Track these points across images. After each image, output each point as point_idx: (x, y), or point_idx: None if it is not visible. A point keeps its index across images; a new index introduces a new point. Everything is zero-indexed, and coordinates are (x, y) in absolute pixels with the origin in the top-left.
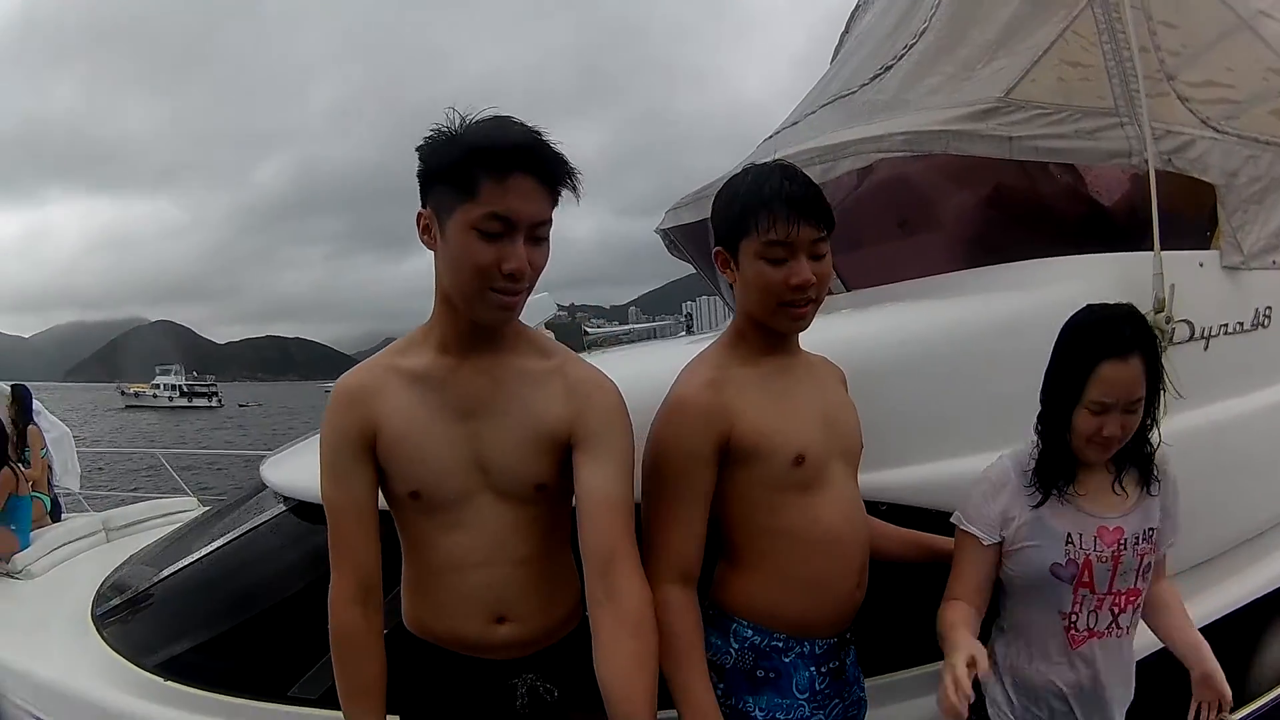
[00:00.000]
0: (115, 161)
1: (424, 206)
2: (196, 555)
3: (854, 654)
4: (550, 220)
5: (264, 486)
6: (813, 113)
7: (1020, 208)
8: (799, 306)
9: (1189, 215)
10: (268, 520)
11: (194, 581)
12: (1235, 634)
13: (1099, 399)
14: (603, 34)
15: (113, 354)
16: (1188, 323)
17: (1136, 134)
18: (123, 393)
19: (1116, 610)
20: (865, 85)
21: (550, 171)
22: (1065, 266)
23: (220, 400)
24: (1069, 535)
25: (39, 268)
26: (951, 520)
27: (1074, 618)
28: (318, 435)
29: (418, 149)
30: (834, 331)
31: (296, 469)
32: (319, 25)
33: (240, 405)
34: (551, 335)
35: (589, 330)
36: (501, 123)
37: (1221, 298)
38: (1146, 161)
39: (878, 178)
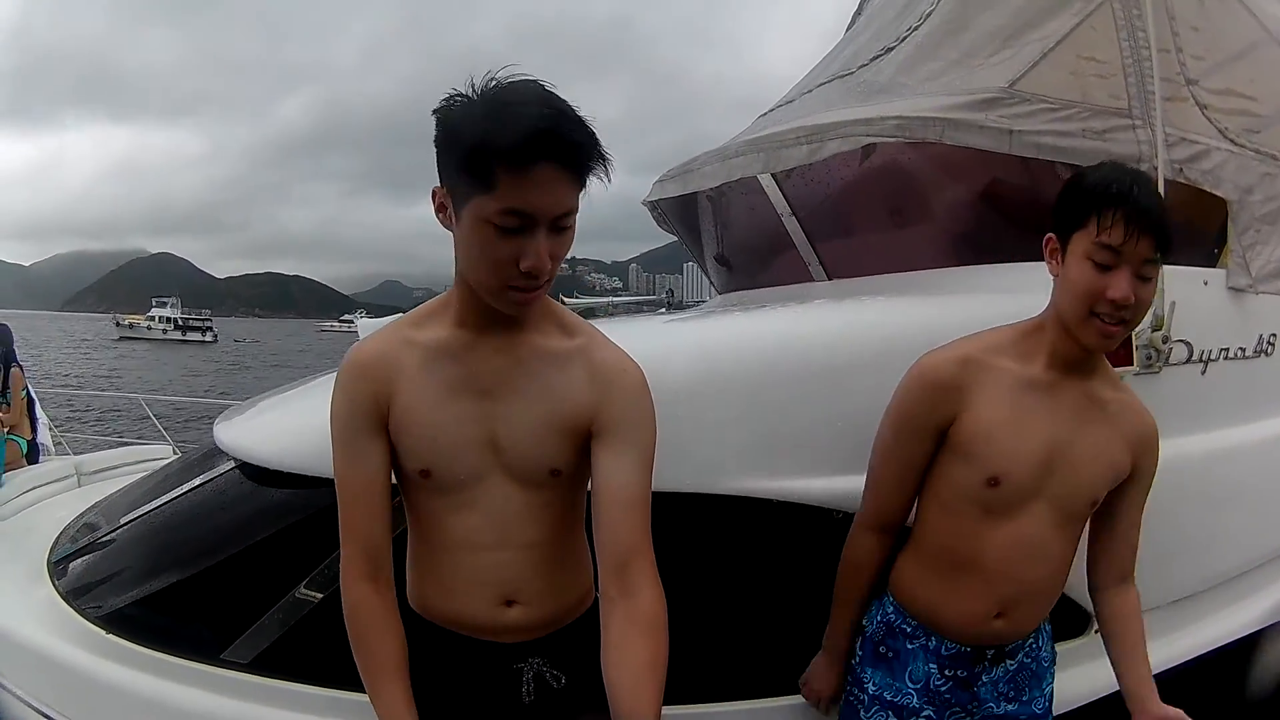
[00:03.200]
0: (137, 90)
1: (440, 182)
2: (148, 507)
3: (998, 675)
4: (576, 208)
5: None
6: (809, 91)
7: (1020, 207)
8: (1110, 323)
9: (1196, 231)
10: (215, 477)
11: (140, 534)
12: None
13: None
14: None
15: (112, 284)
16: (1186, 344)
17: (1149, 138)
18: (118, 324)
19: None
20: (864, 66)
21: (577, 158)
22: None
23: (215, 335)
24: None
25: (48, 195)
26: None
27: None
28: (274, 396)
29: (435, 113)
30: (807, 322)
31: (245, 429)
32: None
33: (236, 340)
34: None
35: (565, 300)
36: (519, 97)
37: (1224, 321)
38: (1156, 169)
39: (875, 163)
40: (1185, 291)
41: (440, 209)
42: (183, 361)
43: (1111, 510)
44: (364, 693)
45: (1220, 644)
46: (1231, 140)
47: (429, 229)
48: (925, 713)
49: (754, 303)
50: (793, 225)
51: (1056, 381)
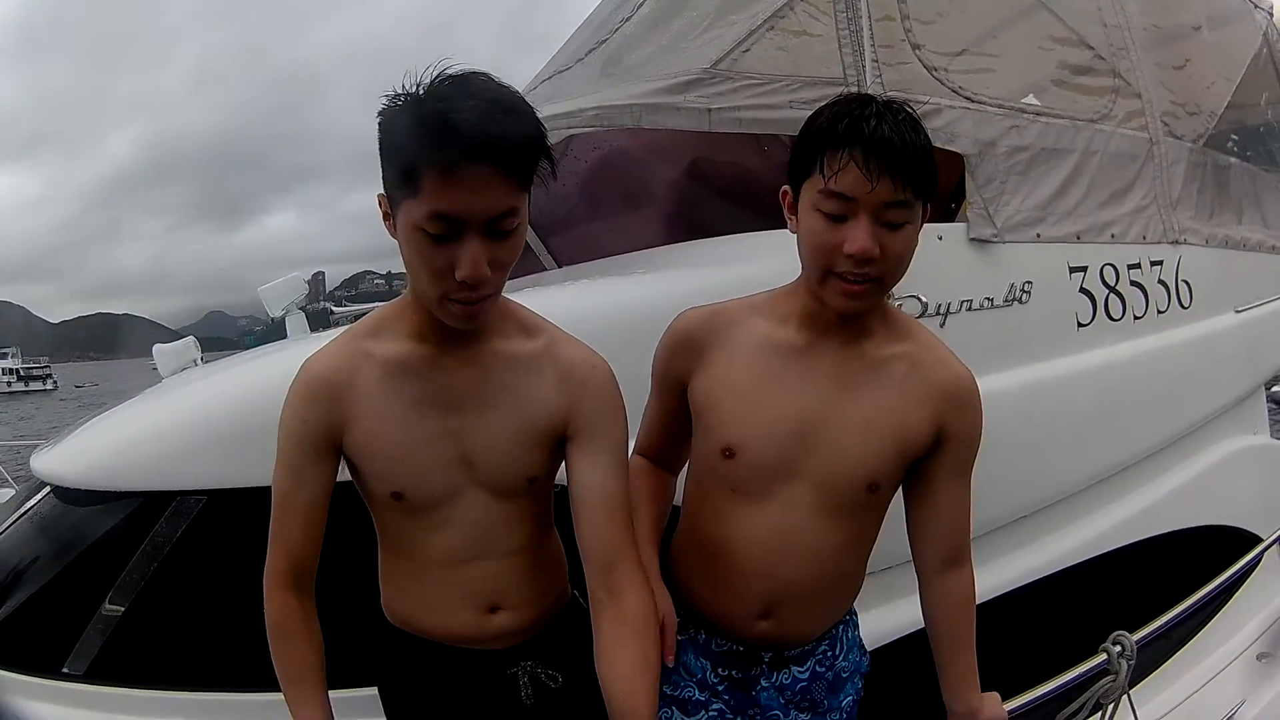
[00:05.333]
0: None
1: (383, 187)
2: None
3: (782, 683)
4: (516, 209)
5: None
6: (534, 89)
7: (734, 181)
8: (852, 282)
9: (945, 188)
10: (39, 502)
11: None
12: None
13: None
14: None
15: None
16: (916, 298)
17: None
18: None
19: None
20: (581, 60)
21: (509, 156)
22: (767, 241)
23: (55, 382)
24: None
25: None
26: None
27: None
28: (86, 421)
29: (378, 115)
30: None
31: (51, 455)
32: None
33: (77, 386)
34: (304, 319)
35: (335, 310)
36: (452, 91)
37: (965, 273)
38: None
39: (594, 152)
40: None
41: (385, 216)
42: (28, 411)
43: (924, 481)
44: (190, 690)
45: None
46: (968, 98)
47: (252, 256)
48: (715, 705)
49: None
50: None
51: (811, 344)
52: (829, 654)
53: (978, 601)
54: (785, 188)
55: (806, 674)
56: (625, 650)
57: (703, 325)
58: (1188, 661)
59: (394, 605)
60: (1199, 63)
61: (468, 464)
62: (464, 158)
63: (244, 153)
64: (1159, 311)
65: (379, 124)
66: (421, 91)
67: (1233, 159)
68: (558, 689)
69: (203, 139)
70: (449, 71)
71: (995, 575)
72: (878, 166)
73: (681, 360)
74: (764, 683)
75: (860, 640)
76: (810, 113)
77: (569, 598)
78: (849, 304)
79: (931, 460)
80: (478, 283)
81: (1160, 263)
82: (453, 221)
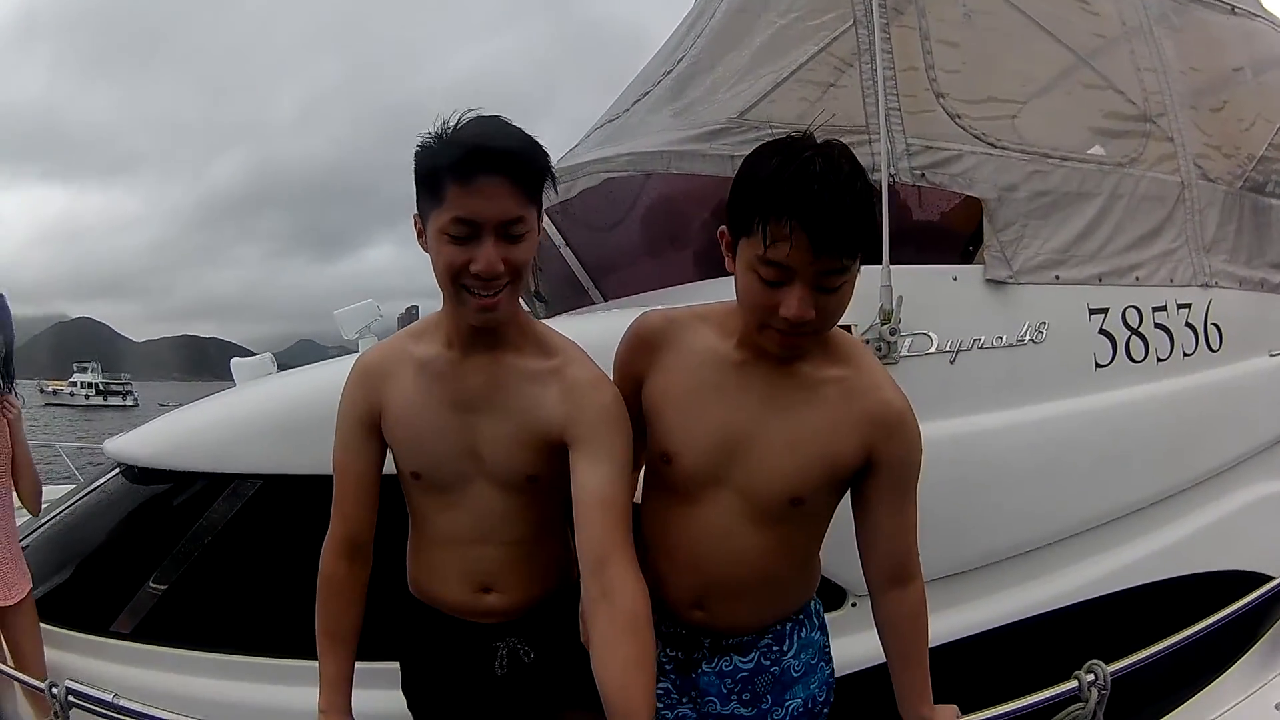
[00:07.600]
0: (74, 149)
1: (417, 210)
2: (56, 512)
3: (723, 669)
4: (524, 218)
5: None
6: (588, 137)
7: None
8: (788, 335)
9: (947, 231)
10: (105, 483)
11: (51, 533)
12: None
13: None
14: (577, 38)
15: (33, 349)
16: (927, 335)
17: (889, 150)
18: (42, 390)
19: None
20: (626, 111)
21: (518, 170)
22: None
23: (135, 399)
24: None
25: None
26: None
27: None
28: (167, 413)
29: (415, 150)
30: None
31: (126, 438)
32: (298, 15)
33: (160, 405)
34: (376, 340)
35: None
36: (475, 125)
37: (978, 313)
38: (883, 178)
39: (653, 199)
40: (929, 288)
41: (419, 234)
42: (109, 428)
43: (863, 503)
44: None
45: (964, 635)
46: (990, 144)
47: (352, 285)
48: (662, 684)
49: None
50: (569, 254)
51: (748, 362)
52: (774, 649)
53: (987, 627)
54: (723, 228)
55: (750, 664)
56: (620, 649)
57: (658, 329)
58: (1202, 709)
59: (412, 573)
60: (1238, 105)
61: (475, 457)
62: (479, 170)
63: (346, 184)
64: (1185, 354)
65: (415, 157)
66: (448, 129)
67: (1275, 201)
68: (530, 663)
69: (307, 170)
70: (471, 114)
71: (1003, 604)
72: (817, 241)
73: (639, 358)
74: (705, 667)
75: (823, 645)
76: None
77: (558, 583)
78: (785, 351)
79: (867, 483)
80: (491, 276)
81: (1188, 306)
82: (470, 225)
